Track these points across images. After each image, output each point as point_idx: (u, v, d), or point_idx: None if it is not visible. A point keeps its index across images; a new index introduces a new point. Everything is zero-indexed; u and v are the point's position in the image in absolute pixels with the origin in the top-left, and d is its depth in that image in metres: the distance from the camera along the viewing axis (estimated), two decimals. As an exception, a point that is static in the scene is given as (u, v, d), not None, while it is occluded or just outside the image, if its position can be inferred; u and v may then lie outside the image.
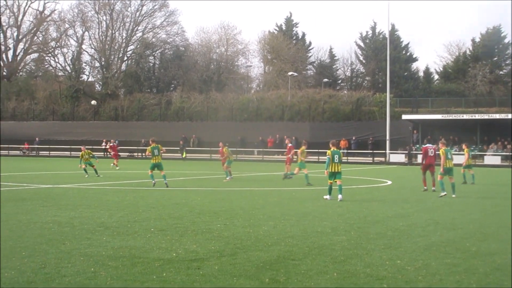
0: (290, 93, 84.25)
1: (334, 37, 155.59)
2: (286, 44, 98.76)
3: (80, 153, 40.34)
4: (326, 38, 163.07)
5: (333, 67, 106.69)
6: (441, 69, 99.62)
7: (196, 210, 20.44)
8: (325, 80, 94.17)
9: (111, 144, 54.62)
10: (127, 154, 79.24)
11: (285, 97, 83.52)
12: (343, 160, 30.04)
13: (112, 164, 50.11)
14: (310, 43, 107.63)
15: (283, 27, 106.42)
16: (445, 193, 26.21)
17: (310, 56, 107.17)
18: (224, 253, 13.00)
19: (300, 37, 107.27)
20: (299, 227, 16.79)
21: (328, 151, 24.76)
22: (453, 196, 26.30)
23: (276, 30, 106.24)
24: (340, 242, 14.42)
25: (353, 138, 73.76)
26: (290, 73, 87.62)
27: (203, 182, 35.89)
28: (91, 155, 39.86)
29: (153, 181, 30.38)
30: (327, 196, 24.55)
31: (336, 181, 24.64)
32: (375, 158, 69.94)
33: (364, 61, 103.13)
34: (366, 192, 29.17)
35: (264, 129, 78.34)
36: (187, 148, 75.20)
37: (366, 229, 16.45)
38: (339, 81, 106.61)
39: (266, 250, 13.37)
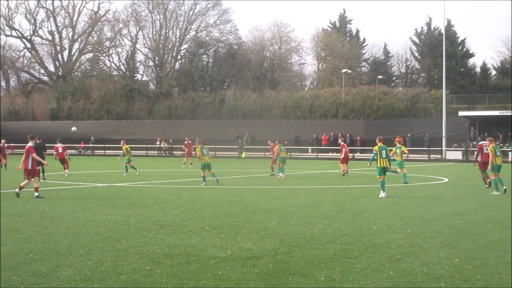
0: (344, 91, 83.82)
1: (389, 34, 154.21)
2: (340, 41, 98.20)
3: (123, 147, 40.78)
4: (381, 35, 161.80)
5: (388, 63, 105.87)
6: (499, 64, 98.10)
7: (250, 208, 20.44)
8: (380, 77, 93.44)
9: (185, 142, 54.19)
10: (181, 153, 79.61)
11: (339, 95, 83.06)
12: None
13: (190, 164, 49.85)
14: (364, 40, 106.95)
15: (337, 24, 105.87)
16: (498, 192, 25.77)
17: (364, 53, 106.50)
18: (279, 251, 12.96)
19: (354, 34, 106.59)
20: (354, 225, 16.66)
21: (375, 147, 25.62)
22: (504, 188, 25.97)
23: (329, 27, 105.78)
24: (396, 240, 14.26)
25: (409, 135, 73.04)
26: (344, 70, 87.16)
27: (257, 180, 35.88)
28: (128, 151, 40.27)
29: (204, 183, 30.32)
30: (383, 194, 24.48)
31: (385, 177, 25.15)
32: (431, 156, 69.19)
33: (419, 58, 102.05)
34: (422, 190, 28.83)
35: (318, 126, 78.08)
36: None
37: (422, 227, 16.24)
38: (394, 78, 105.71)
39: (321, 248, 13.29)
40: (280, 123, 79.95)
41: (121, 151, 41.77)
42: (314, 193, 26.33)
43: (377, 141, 26.09)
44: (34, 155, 24.50)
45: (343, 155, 39.73)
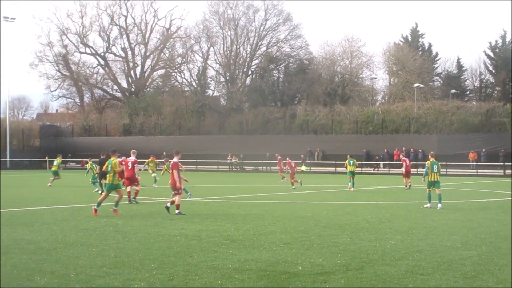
0: (416, 105, 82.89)
1: (462, 47, 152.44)
2: (411, 55, 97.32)
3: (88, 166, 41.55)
4: (454, 49, 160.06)
5: (461, 77, 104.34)
6: None
7: (321, 223, 20.33)
8: (453, 91, 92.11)
9: (279, 158, 53.15)
10: (252, 167, 79.88)
11: (411, 109, 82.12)
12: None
13: (282, 179, 49.86)
14: (436, 53, 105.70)
15: (409, 38, 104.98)
16: None
17: (437, 67, 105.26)
18: (350, 267, 12.85)
19: (426, 48, 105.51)
20: (427, 241, 16.41)
21: (428, 162, 27.45)
22: None
23: (401, 41, 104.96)
24: (471, 257, 13.99)
25: (483, 150, 71.75)
26: (416, 85, 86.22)
27: (328, 195, 35.71)
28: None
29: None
30: (428, 205, 26.45)
31: (435, 190, 26.85)
32: (507, 171, 67.78)
33: (493, 71, 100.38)
34: (497, 206, 28.20)
35: (389, 141, 77.25)
36: (307, 162, 74.42)
37: (498, 244, 15.90)
38: (467, 92, 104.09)
39: (394, 264, 13.12)
40: (351, 138, 79.44)
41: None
42: (386, 209, 26.05)
43: (429, 156, 27.98)
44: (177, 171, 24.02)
45: (404, 170, 41.75)
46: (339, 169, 66.98)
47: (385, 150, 76.09)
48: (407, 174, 41.38)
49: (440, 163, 28.20)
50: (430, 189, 26.97)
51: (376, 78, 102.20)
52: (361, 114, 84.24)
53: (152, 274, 12.09)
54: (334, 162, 72.13)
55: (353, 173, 39.79)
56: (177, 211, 23.26)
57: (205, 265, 13.00)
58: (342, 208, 26.27)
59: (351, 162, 40.33)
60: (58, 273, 12.19)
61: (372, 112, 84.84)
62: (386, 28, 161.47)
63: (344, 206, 27.38)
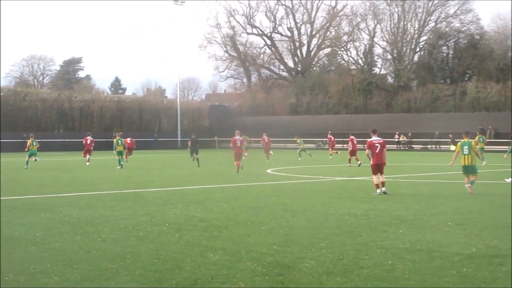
0: None
1: None
2: None
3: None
4: None
5: None
6: None
7: (495, 204, 19.69)
8: None
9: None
10: (421, 146, 78.61)
11: None
12: None
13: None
14: None
15: None
16: None
17: None
18: (528, 249, 12.31)
19: None
20: None
21: None
22: None
23: None
24: None
25: None
26: None
27: (502, 174, 34.37)
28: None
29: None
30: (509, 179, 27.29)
31: None
32: None
33: None
34: None
35: None
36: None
37: None
38: None
39: None
40: (525, 115, 76.40)
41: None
42: None
43: None
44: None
45: None
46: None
47: (562, 127, 72.64)
48: None
49: None
50: None
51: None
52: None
53: (321, 252, 12.07)
54: (507, 140, 69.56)
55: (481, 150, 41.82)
56: (383, 188, 22.88)
57: (374, 244, 12.85)
58: (516, 188, 25.29)
59: (481, 139, 43.48)
60: (229, 250, 12.40)
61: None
62: None
63: (519, 186, 26.35)
